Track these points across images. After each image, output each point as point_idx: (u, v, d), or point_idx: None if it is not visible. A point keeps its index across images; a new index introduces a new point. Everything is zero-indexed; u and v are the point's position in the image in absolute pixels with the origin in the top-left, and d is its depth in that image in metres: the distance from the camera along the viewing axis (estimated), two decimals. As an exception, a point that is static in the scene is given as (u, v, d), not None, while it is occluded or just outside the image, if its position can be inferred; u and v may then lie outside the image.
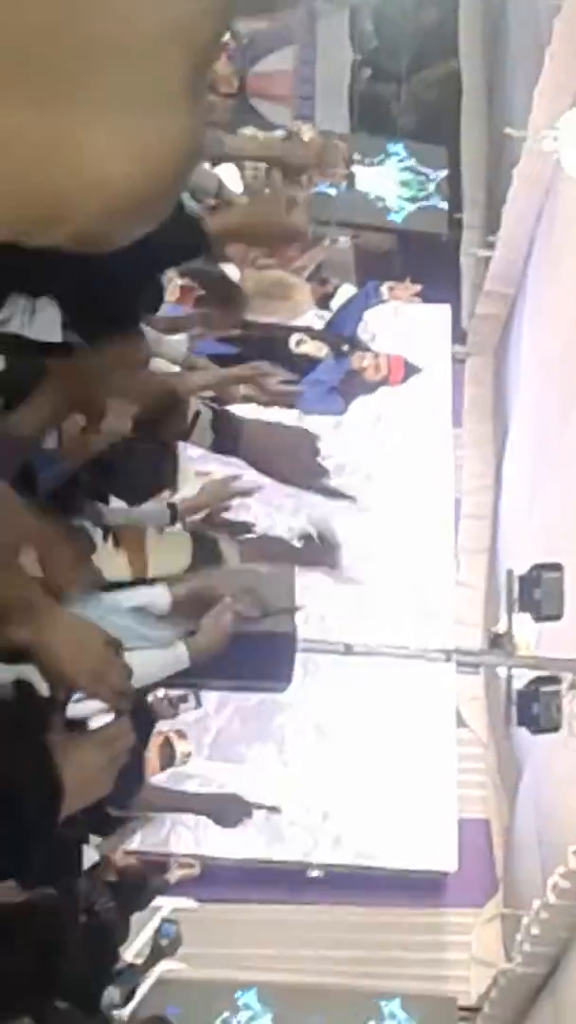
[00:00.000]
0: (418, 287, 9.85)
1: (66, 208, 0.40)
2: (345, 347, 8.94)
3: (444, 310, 12.23)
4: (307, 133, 10.11)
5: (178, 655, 3.76)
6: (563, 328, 10.28)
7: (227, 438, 3.98)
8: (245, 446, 3.99)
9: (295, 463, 4.14)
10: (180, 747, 8.71)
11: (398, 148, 12.32)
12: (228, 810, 6.24)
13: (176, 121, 0.38)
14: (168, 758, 8.56)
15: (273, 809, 7.21)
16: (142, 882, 8.48)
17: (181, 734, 8.83)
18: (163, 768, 8.48)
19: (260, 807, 6.67)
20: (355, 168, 11.85)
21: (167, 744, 8.54)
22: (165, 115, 0.39)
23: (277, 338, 8.53)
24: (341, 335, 9.09)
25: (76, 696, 2.83)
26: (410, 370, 9.37)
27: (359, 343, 9.29)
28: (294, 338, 8.74)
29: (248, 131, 9.74)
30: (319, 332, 9.00)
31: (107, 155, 0.38)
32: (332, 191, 11.50)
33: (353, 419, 10.53)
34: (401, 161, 12.25)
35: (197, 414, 3.93)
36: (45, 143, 0.37)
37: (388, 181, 12.17)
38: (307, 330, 8.93)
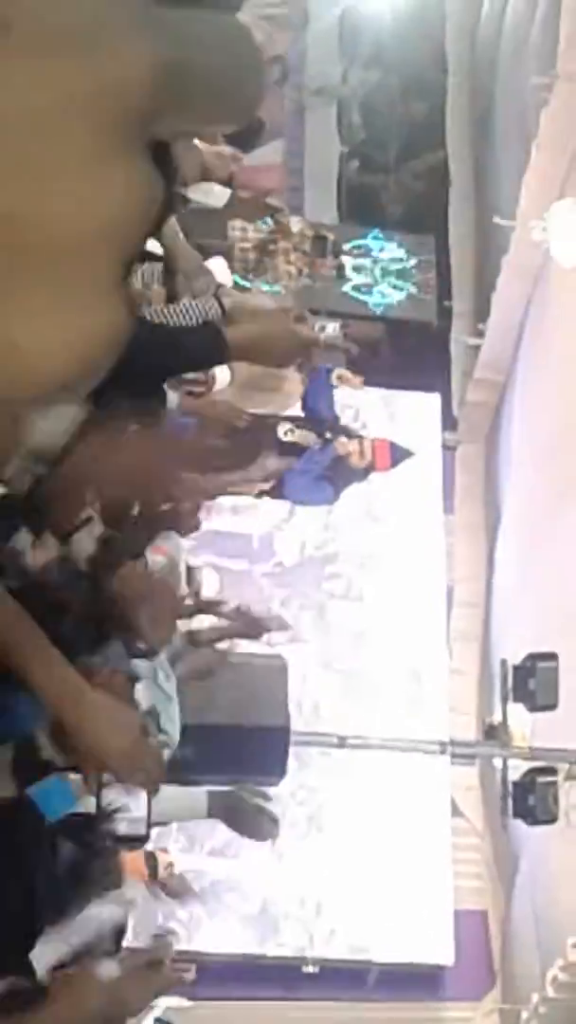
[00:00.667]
0: (361, 378, 9.91)
1: (10, 391, 0.43)
2: (328, 434, 8.94)
3: (434, 398, 12.26)
4: (296, 224, 10.17)
5: (197, 803, 3.78)
6: (554, 416, 10.31)
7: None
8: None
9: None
10: (162, 859, 8.87)
11: (386, 238, 12.39)
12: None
13: (105, 315, 0.42)
14: (152, 869, 8.66)
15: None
16: None
17: (163, 849, 9.00)
18: (149, 878, 8.58)
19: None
20: (344, 258, 11.92)
21: (151, 857, 8.63)
22: (95, 310, 0.42)
23: (266, 428, 8.53)
24: (323, 421, 9.08)
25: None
26: (399, 454, 9.35)
27: (341, 428, 9.27)
28: (282, 427, 8.75)
29: (237, 223, 9.80)
30: (306, 421, 9.00)
31: (41, 353, 0.40)
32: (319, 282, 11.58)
33: (345, 507, 10.53)
34: (389, 251, 12.32)
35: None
36: None
37: (377, 270, 12.22)
38: (295, 419, 8.93)
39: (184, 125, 0.46)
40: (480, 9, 12.46)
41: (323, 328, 12.62)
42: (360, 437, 9.23)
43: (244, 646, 7.49)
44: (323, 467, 8.84)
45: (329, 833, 10.82)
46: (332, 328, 12.63)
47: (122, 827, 3.01)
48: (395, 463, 9.34)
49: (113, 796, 2.99)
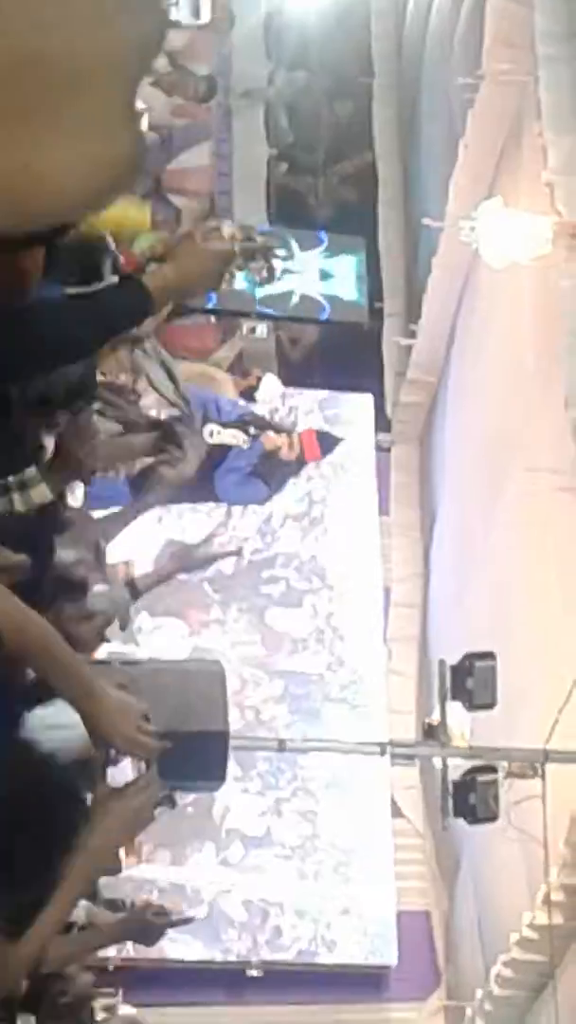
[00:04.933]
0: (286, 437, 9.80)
1: (34, 212, 0.48)
2: (253, 430, 8.88)
3: (367, 399, 12.27)
4: (227, 229, 10.10)
5: None
6: (486, 416, 10.35)
7: None
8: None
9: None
10: None
11: (316, 240, 12.39)
12: (148, 930, 6.12)
13: (120, 138, 0.47)
14: None
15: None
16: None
17: None
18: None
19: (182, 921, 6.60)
20: (274, 261, 11.90)
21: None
22: (111, 134, 0.48)
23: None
24: (246, 418, 9.03)
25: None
26: (328, 442, 9.29)
27: (267, 423, 9.22)
28: (207, 429, 8.69)
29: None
30: (231, 421, 8.93)
31: (66, 171, 0.46)
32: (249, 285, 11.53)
33: (279, 511, 10.52)
34: (319, 252, 12.32)
35: None
36: (17, 161, 0.44)
37: (307, 272, 12.22)
38: (218, 421, 8.86)
39: None
40: (405, 10, 12.49)
41: (252, 330, 12.62)
42: (287, 431, 9.18)
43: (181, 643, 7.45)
44: (251, 464, 8.78)
45: (271, 837, 10.81)
46: (262, 329, 12.63)
47: None
48: (325, 451, 9.28)
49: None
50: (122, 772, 3.65)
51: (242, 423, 8.84)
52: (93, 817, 3.24)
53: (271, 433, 8.95)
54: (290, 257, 12.05)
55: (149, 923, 5.90)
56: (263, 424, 9.07)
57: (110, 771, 3.56)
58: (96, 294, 3.61)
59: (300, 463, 9.10)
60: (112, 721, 3.20)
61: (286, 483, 9.26)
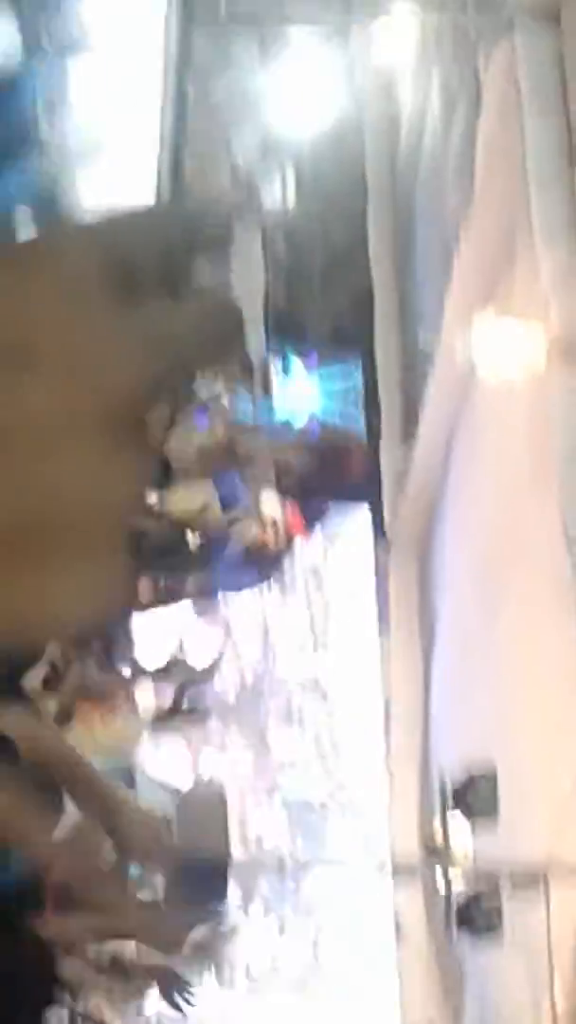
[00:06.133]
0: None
1: (36, 635, 0.58)
2: (232, 518, 8.86)
3: (365, 513, 12.32)
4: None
5: None
6: (484, 529, 10.38)
7: None
8: None
9: None
10: None
11: (312, 359, 12.52)
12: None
13: (111, 574, 0.55)
14: None
15: None
16: None
17: None
18: None
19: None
20: (272, 380, 12.03)
21: None
22: (103, 572, 0.55)
23: (174, 537, 8.51)
24: (228, 507, 9.02)
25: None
26: (312, 512, 9.25)
27: (245, 512, 9.18)
28: (191, 537, 8.69)
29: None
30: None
31: (63, 603, 0.54)
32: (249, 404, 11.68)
33: (281, 629, 10.52)
34: (317, 371, 12.45)
35: None
36: (27, 601, 0.54)
37: (305, 391, 12.33)
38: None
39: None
40: (399, 133, 12.72)
41: (250, 447, 12.69)
42: (272, 522, 9.13)
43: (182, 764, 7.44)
44: (238, 557, 8.77)
45: (275, 961, 10.69)
46: (260, 446, 12.70)
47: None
48: (312, 522, 9.25)
49: None
50: None
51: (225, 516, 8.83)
52: None
53: (251, 523, 8.91)
54: (287, 376, 12.19)
55: None
56: (243, 514, 9.02)
57: None
58: None
59: (289, 540, 9.04)
60: (134, 834, 3.31)
61: (279, 561, 9.21)
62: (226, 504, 9.02)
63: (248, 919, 10.44)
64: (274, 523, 8.93)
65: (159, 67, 11.82)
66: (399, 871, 9.18)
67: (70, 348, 0.55)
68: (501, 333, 9.15)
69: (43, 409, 0.54)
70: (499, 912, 7.93)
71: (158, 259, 0.58)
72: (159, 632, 9.39)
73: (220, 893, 7.71)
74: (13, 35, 10.25)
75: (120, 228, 0.59)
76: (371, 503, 12.48)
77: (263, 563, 8.97)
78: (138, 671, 9.50)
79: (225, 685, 11.34)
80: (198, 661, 10.75)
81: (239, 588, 9.57)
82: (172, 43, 11.42)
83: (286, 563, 9.32)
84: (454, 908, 8.13)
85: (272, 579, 9.38)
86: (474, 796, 8.09)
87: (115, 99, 10.80)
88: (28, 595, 0.54)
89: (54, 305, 0.55)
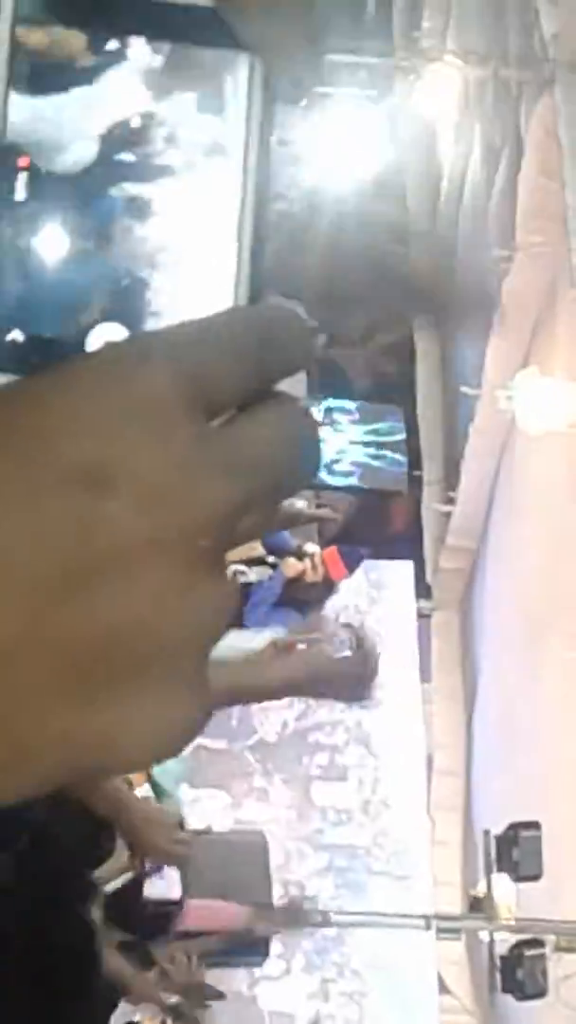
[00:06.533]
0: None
1: (103, 772, 0.55)
2: (271, 559, 8.78)
3: (407, 565, 12.30)
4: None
5: None
6: (526, 581, 10.34)
7: None
8: None
9: None
10: None
11: (354, 409, 12.54)
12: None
13: (190, 711, 0.53)
14: None
15: None
16: None
17: None
18: None
19: None
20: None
21: None
22: (183, 706, 0.53)
23: None
24: (276, 551, 8.92)
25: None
26: (351, 558, 9.15)
27: (288, 551, 9.08)
28: (231, 570, 8.62)
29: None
30: (256, 558, 8.82)
31: (143, 740, 0.53)
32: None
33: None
34: (358, 423, 12.46)
35: None
36: (102, 735, 0.52)
37: (346, 442, 12.35)
38: (246, 559, 8.75)
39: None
40: (440, 185, 12.76)
41: (292, 503, 12.67)
42: (310, 554, 9.04)
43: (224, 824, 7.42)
44: (276, 594, 8.68)
45: (318, 1021, 10.60)
46: (303, 503, 12.69)
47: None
48: (351, 567, 9.13)
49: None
50: None
51: (261, 558, 8.76)
52: None
53: (291, 560, 8.83)
54: (328, 428, 12.19)
55: None
56: (282, 552, 8.95)
57: None
58: None
59: (328, 584, 8.95)
60: (147, 831, 3.32)
61: (323, 607, 9.12)
62: (272, 552, 8.97)
63: (288, 977, 10.36)
64: (312, 557, 8.85)
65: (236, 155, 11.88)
66: (442, 927, 9.10)
67: (150, 470, 0.52)
68: (542, 385, 9.16)
69: (125, 534, 0.52)
70: (544, 971, 7.84)
71: (238, 375, 0.55)
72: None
73: (262, 947, 7.68)
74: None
75: (198, 339, 0.55)
76: (413, 553, 12.47)
77: (302, 606, 8.88)
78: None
79: (265, 734, 11.31)
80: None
81: (277, 624, 9.50)
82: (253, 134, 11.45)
83: (327, 608, 9.24)
84: (498, 966, 8.05)
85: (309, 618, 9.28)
86: (518, 851, 8.02)
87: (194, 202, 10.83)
88: (104, 731, 0.52)
89: (131, 424, 0.53)
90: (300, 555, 8.97)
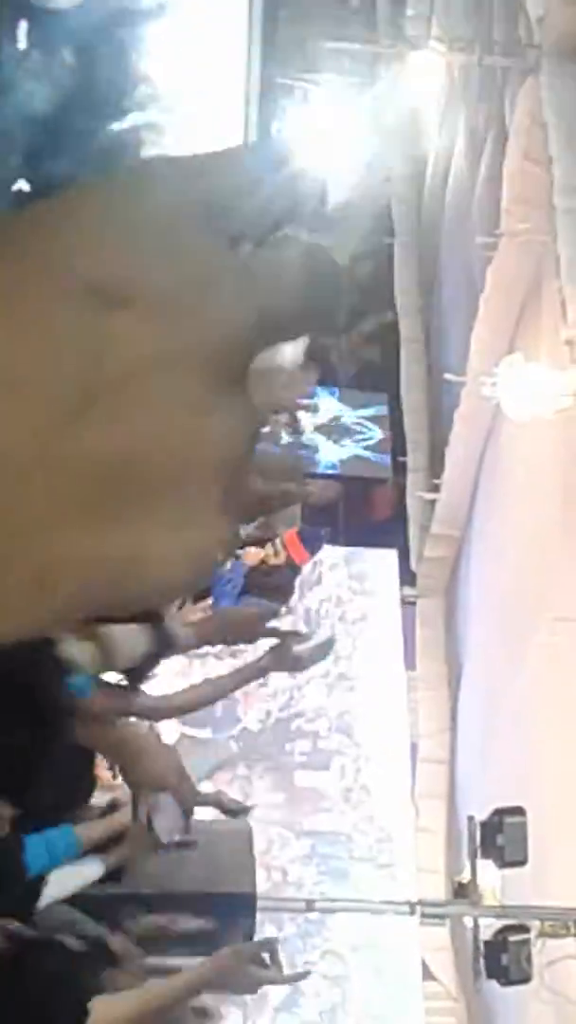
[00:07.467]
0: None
1: (133, 600, 0.55)
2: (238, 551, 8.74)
3: (391, 554, 12.29)
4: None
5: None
6: (510, 568, 10.33)
7: None
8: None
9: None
10: None
11: (338, 397, 12.53)
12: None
13: (216, 527, 0.53)
14: None
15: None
16: None
17: None
18: None
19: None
20: (299, 417, 12.02)
21: None
22: (207, 524, 0.53)
23: None
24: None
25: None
26: (311, 539, 9.13)
27: (249, 542, 9.07)
28: None
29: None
30: None
31: (166, 561, 0.53)
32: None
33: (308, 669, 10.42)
34: (342, 410, 12.45)
35: None
36: (124, 551, 0.51)
37: (330, 429, 12.33)
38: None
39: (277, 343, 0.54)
40: (424, 173, 12.74)
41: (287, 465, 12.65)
42: (270, 539, 9.02)
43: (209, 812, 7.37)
44: (238, 584, 8.65)
45: (299, 1003, 10.59)
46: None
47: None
48: (312, 550, 9.13)
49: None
50: None
51: None
52: None
53: (251, 548, 8.81)
54: (313, 414, 12.17)
55: None
56: (247, 543, 8.92)
57: None
58: None
59: (292, 568, 8.93)
60: (151, 761, 3.45)
61: (290, 592, 9.11)
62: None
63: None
64: (273, 542, 8.83)
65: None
66: (427, 913, 9.09)
67: (163, 287, 0.52)
68: (527, 371, 9.13)
69: (139, 351, 0.51)
70: (528, 956, 7.83)
71: (258, 204, 0.55)
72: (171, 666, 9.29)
73: (246, 933, 7.65)
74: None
75: (219, 165, 0.56)
76: (397, 542, 12.46)
77: (266, 591, 8.85)
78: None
79: (248, 723, 11.30)
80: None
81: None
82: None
83: (300, 593, 9.22)
84: (482, 951, 8.03)
85: (279, 612, 9.24)
86: (503, 837, 8.00)
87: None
88: (123, 553, 0.52)
89: (151, 240, 0.53)
90: (260, 542, 8.97)
